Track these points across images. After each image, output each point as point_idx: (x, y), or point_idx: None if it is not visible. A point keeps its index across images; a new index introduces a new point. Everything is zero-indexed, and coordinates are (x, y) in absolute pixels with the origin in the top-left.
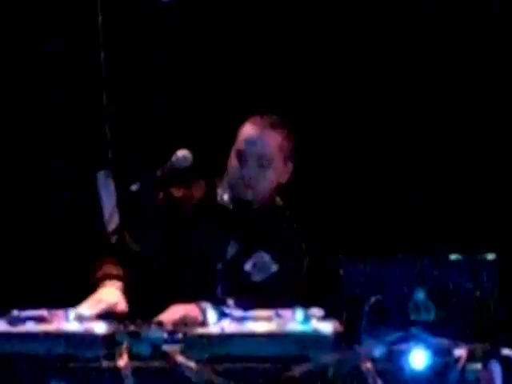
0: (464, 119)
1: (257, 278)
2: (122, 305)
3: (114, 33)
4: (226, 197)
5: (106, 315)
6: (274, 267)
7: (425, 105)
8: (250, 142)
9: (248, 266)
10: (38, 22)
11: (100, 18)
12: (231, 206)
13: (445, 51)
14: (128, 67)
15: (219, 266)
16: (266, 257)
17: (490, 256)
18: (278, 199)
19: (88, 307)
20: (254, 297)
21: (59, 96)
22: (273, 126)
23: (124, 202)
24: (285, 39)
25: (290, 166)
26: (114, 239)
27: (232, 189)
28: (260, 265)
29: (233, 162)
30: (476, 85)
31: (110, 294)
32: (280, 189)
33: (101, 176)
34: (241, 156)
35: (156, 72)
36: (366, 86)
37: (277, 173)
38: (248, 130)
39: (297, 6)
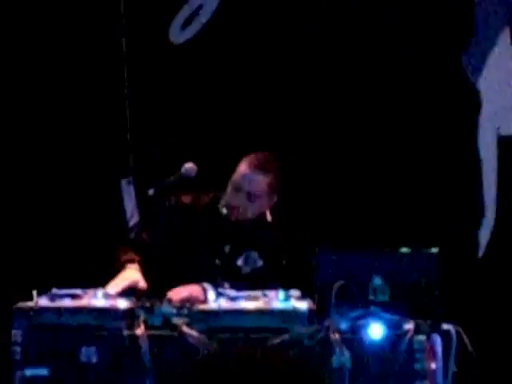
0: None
1: (246, 270)
2: (142, 282)
3: (137, 47)
4: (224, 211)
5: (130, 291)
6: (260, 262)
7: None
8: (243, 178)
9: (239, 261)
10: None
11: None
12: (227, 219)
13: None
14: (150, 82)
15: (217, 261)
16: (254, 254)
17: (434, 250)
18: (268, 215)
19: (116, 284)
20: (243, 285)
21: (86, 115)
22: (263, 168)
23: (142, 203)
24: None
25: (275, 197)
26: (133, 234)
27: (227, 208)
28: (249, 260)
29: (229, 188)
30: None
31: (133, 274)
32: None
33: (124, 183)
34: (235, 187)
35: (175, 92)
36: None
37: (262, 204)
38: (243, 168)
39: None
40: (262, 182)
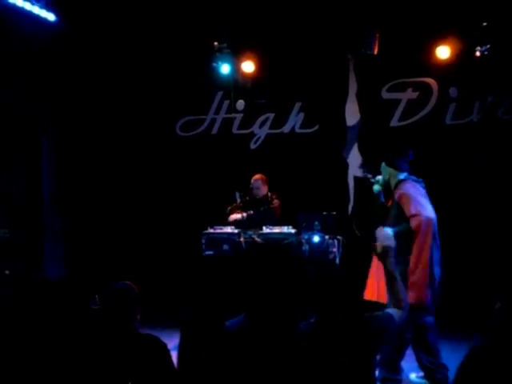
0: None
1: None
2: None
3: None
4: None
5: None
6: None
7: None
8: (254, 183)
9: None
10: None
11: None
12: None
13: None
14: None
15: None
16: (265, 208)
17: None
18: (269, 194)
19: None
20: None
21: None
22: (259, 178)
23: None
24: None
25: (267, 186)
26: (239, 201)
27: (256, 195)
28: (264, 212)
29: (252, 186)
30: None
31: (238, 215)
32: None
33: (237, 192)
34: (253, 186)
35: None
36: None
37: (263, 189)
38: (253, 179)
39: None
40: (259, 182)
